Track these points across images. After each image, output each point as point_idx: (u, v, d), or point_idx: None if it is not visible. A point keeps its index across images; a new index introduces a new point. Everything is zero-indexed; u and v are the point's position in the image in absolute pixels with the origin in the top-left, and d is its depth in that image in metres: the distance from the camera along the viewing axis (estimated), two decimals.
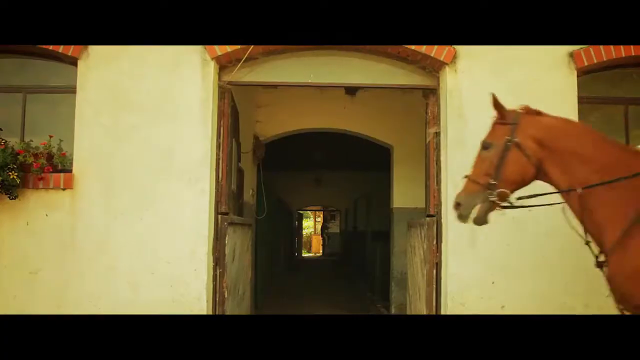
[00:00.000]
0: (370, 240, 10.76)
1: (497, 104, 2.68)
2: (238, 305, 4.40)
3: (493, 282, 3.78)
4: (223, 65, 4.02)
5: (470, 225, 3.80)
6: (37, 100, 4.09)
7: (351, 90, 6.96)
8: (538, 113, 2.64)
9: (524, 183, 2.62)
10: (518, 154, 2.52)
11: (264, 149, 6.80)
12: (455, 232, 3.82)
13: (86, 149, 3.82)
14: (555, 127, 2.57)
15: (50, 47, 3.85)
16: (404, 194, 6.92)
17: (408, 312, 4.77)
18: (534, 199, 2.69)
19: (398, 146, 7.10)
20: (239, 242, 4.37)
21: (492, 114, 3.85)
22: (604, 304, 3.78)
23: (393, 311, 6.97)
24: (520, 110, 2.63)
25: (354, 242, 14.11)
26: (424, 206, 4.40)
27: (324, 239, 24.57)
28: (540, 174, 2.58)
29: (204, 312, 3.72)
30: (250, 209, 6.46)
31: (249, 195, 6.44)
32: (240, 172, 5.61)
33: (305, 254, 24.98)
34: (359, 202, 14.10)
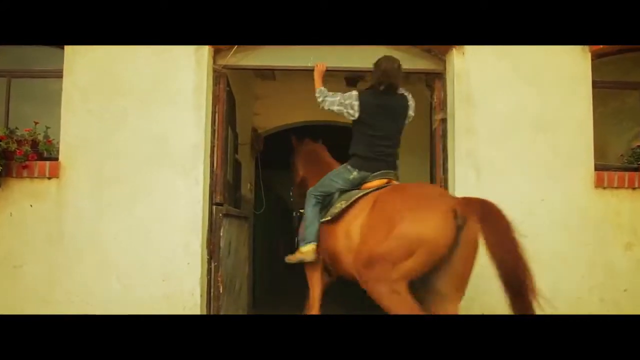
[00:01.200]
0: None
1: (292, 140, 4.44)
2: (234, 301, 4.20)
3: None
4: (218, 48, 3.82)
5: None
6: (23, 86, 3.89)
7: (352, 82, 6.75)
8: (310, 143, 4.28)
9: (305, 186, 3.81)
10: (296, 169, 4.22)
11: (262, 141, 6.58)
12: None
13: (74, 135, 3.62)
14: (306, 151, 4.19)
15: None
16: None
17: None
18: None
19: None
20: (235, 235, 4.17)
21: (503, 98, 3.70)
22: (621, 299, 3.61)
23: None
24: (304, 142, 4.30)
25: None
26: None
27: None
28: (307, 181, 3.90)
29: (198, 308, 3.53)
30: (248, 203, 6.25)
31: (246, 189, 6.23)
32: (237, 163, 5.40)
33: None
34: None
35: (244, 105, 6.00)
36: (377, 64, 3.22)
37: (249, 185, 6.38)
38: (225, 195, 3.94)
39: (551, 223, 3.61)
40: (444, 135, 3.82)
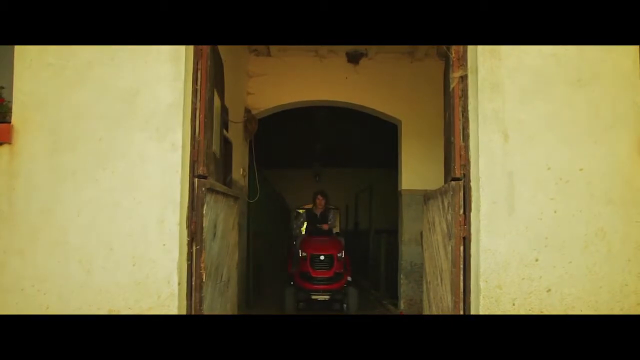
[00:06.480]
0: (374, 235, 10.15)
1: None
2: (221, 293, 3.64)
3: (537, 260, 3.02)
4: None
5: (507, 189, 3.10)
6: None
7: (354, 58, 6.25)
8: None
9: None
10: None
11: (256, 123, 6.06)
12: (488, 197, 3.06)
13: (28, 93, 3.07)
14: None
15: None
16: (414, 172, 6.21)
17: (425, 302, 4.03)
18: None
19: (407, 120, 6.37)
20: (222, 216, 3.61)
21: (535, 48, 3.16)
22: None
23: (402, 306, 6.27)
24: None
25: (355, 240, 13.41)
26: (435, 188, 3.75)
27: None
28: None
29: (175, 298, 2.97)
30: (241, 190, 5.70)
31: (239, 174, 5.69)
32: (227, 143, 4.87)
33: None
34: (360, 199, 13.42)
35: (237, 83, 5.48)
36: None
37: (241, 170, 5.84)
38: (210, 167, 3.39)
39: (591, 196, 3.06)
40: (464, 96, 3.27)
